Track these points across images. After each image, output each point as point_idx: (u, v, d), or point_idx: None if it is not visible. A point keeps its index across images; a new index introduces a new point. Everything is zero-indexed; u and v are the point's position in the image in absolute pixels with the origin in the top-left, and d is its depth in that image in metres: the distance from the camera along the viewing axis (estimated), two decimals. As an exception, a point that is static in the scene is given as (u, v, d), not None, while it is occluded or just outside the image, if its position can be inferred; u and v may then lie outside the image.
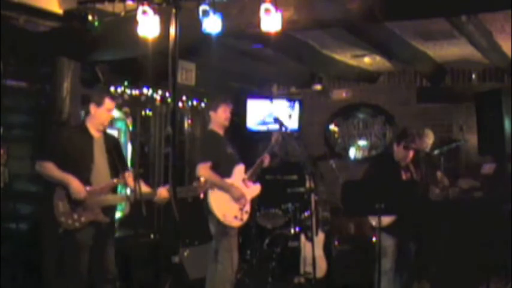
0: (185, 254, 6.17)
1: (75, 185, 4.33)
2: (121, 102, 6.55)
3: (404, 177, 5.47)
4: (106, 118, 4.60)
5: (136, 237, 6.06)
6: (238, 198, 5.23)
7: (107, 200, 4.51)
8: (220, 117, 5.35)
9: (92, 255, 4.47)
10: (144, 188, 4.52)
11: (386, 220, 5.21)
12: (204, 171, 5.05)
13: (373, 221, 5.29)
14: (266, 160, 5.57)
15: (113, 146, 4.68)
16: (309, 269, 6.08)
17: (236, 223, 5.23)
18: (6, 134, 5.36)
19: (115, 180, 4.56)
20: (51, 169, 4.39)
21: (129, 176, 4.62)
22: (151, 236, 6.41)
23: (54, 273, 5.25)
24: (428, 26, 6.01)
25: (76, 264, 4.40)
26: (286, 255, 6.58)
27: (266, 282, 6.33)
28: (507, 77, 7.98)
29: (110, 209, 4.57)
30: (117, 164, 4.59)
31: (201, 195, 5.14)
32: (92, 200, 4.40)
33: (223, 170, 5.21)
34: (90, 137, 4.57)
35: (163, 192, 4.56)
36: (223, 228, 5.16)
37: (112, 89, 6.43)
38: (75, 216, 4.35)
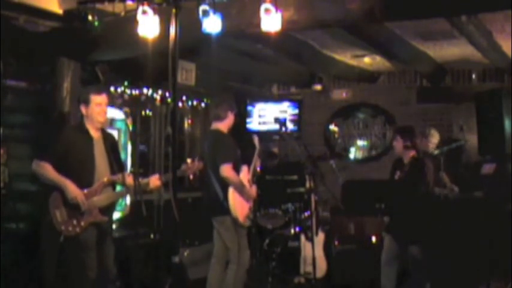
0: (185, 254, 6.17)
1: (72, 188, 4.26)
2: (119, 101, 6.55)
3: (396, 176, 5.38)
4: (99, 114, 4.45)
5: (136, 237, 6.06)
6: (252, 199, 5.28)
7: (102, 200, 4.43)
8: (231, 119, 5.36)
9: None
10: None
11: None
12: (228, 171, 5.06)
13: None
14: (257, 163, 5.59)
15: (110, 146, 4.62)
16: (309, 269, 6.08)
17: (248, 223, 5.28)
18: (6, 134, 5.35)
19: (105, 179, 4.45)
20: (47, 170, 4.29)
21: (128, 176, 4.56)
22: (151, 236, 6.40)
23: (54, 274, 5.24)
24: (428, 26, 6.01)
25: (84, 266, 4.35)
26: (286, 255, 6.58)
27: (266, 282, 6.33)
28: (507, 77, 7.99)
29: (108, 208, 4.52)
30: (113, 164, 4.54)
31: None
32: (88, 202, 4.34)
33: (236, 171, 5.25)
34: (90, 138, 4.49)
35: (155, 180, 4.56)
36: (239, 228, 5.20)
37: (112, 89, 6.42)
38: (74, 222, 4.29)
